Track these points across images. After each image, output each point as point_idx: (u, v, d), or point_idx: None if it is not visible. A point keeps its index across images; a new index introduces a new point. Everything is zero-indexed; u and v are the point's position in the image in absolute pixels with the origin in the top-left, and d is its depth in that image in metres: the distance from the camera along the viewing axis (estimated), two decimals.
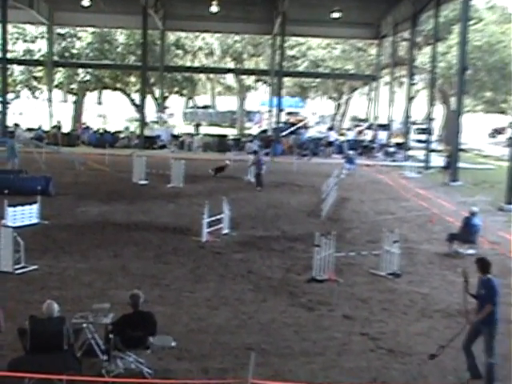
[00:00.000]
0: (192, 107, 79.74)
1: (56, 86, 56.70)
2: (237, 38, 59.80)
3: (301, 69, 59.95)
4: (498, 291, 9.37)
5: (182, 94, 68.62)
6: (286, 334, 11.15)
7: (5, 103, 44.44)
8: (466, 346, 9.59)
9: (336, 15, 46.08)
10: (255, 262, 15.92)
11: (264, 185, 28.07)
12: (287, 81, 61.45)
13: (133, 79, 59.04)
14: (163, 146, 44.68)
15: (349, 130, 57.91)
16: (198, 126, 54.69)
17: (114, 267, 14.71)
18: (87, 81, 57.53)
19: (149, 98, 54.36)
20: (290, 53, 58.39)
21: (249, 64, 63.00)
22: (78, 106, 60.45)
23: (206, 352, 10.28)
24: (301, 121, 57.99)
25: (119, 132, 48.31)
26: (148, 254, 16.07)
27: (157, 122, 52.71)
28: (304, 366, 9.94)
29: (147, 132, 46.71)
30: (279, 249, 17.32)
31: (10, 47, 48.65)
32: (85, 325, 9.50)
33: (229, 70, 60.83)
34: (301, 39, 59.44)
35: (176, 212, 22.02)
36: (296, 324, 11.67)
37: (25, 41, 55.83)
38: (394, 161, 41.79)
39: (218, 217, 18.79)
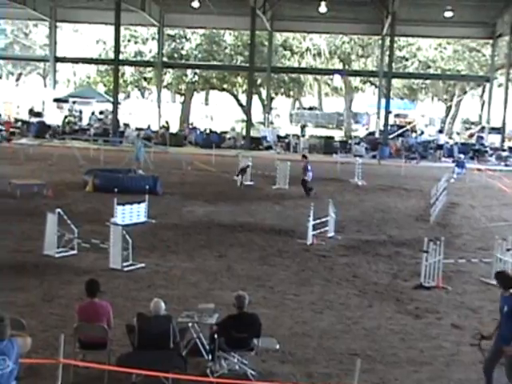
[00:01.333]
0: (298, 108, 79.80)
1: (165, 87, 58.15)
2: (345, 38, 59.41)
3: (410, 70, 58.87)
4: None
5: (288, 95, 68.83)
6: (391, 341, 10.97)
7: (116, 103, 45.91)
8: (488, 368, 8.84)
9: (448, 14, 45.03)
10: (361, 266, 15.74)
11: (310, 193, 25.63)
12: (396, 82, 60.50)
13: (240, 80, 59.71)
14: (269, 147, 44.94)
15: (458, 133, 56.45)
16: (303, 127, 54.68)
17: (219, 268, 14.90)
18: (195, 81, 58.70)
19: (255, 98, 54.85)
20: (399, 54, 57.49)
21: (356, 65, 62.47)
22: (186, 107, 61.71)
23: (310, 356, 10.24)
24: (409, 123, 57.01)
25: (225, 132, 48.96)
26: (253, 256, 16.19)
27: (263, 123, 53.11)
28: (410, 375, 9.75)
29: (253, 133, 47.12)
30: (386, 254, 17.07)
31: (121, 49, 50.17)
32: (190, 324, 9.66)
33: (336, 71, 60.50)
34: (411, 39, 58.39)
35: (281, 214, 22.09)
36: (402, 331, 11.46)
37: (136, 42, 57.51)
38: (507, 165, 40.40)
39: (324, 219, 18.71)
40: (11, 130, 45.13)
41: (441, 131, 51.34)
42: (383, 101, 47.48)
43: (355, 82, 65.79)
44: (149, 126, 47.58)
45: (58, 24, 53.06)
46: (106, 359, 8.97)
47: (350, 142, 46.99)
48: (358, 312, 12.38)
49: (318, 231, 18.30)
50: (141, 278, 13.74)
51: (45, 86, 65.93)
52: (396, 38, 49.36)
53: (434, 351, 10.65)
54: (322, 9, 45.42)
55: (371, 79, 61.98)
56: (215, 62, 56.88)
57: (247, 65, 48.78)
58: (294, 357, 10.16)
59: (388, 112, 46.25)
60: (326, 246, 17.55)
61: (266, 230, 19.25)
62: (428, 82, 64.18)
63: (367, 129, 62.26)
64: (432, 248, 14.20)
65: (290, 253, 16.67)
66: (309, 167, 26.32)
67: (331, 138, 47.94)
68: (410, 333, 11.41)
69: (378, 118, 50.67)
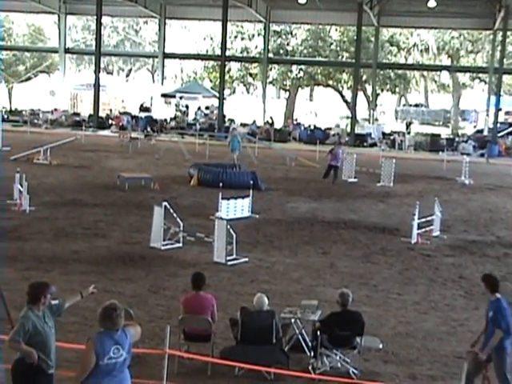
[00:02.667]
0: (404, 105, 78.48)
1: (270, 83, 58.43)
2: (454, 33, 57.95)
3: None
4: (507, 314, 8.23)
5: (394, 92, 67.73)
6: None
7: (222, 99, 46.50)
8: (469, 377, 8.31)
9: None
10: (467, 267, 15.33)
11: (337, 182, 27.08)
12: (507, 79, 58.54)
13: (345, 76, 59.26)
14: (374, 144, 44.43)
15: None
16: (409, 124, 53.72)
17: (322, 264, 14.86)
18: (300, 77, 58.70)
19: (360, 95, 54.30)
20: (511, 49, 55.52)
21: (466, 61, 60.81)
22: (290, 103, 61.80)
23: (414, 357, 10.06)
24: None
25: (330, 129, 48.75)
26: (356, 253, 16.05)
27: (368, 120, 52.55)
28: None
29: (358, 129, 46.71)
30: (494, 255, 16.55)
31: (228, 45, 50.77)
32: (293, 320, 9.67)
33: (444, 68, 59.08)
34: None
35: (385, 212, 21.80)
36: None
37: (242, 38, 58.05)
38: None
39: (429, 218, 18.33)
40: (121, 124, 46.48)
41: None
42: (493, 98, 46.01)
43: (463, 78, 64.05)
44: (254, 122, 47.95)
45: (167, 21, 54.29)
46: (210, 351, 9.10)
47: (457, 139, 45.84)
48: (464, 314, 12.06)
49: (423, 230, 17.94)
50: (244, 273, 13.86)
51: (153, 81, 67.57)
52: (509, 33, 47.71)
53: None
54: (431, 3, 44.45)
55: (480, 75, 60.16)
56: (320, 58, 56.71)
57: (353, 61, 48.38)
58: (397, 357, 10.01)
59: (498, 109, 44.82)
60: (431, 246, 17.19)
61: (369, 227, 19.04)
62: None
63: (475, 126, 60.54)
64: None
65: (394, 251, 16.43)
66: (339, 154, 27.61)
67: (437, 135, 46.91)
68: None
69: (488, 115, 49.15)
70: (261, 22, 51.86)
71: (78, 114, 50.29)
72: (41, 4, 51.63)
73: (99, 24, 46.91)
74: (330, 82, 60.68)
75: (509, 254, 16.70)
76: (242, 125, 47.82)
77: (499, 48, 45.65)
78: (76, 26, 69.53)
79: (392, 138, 45.26)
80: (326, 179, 27.40)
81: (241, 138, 31.95)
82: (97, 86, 46.66)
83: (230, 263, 14.36)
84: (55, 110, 50.82)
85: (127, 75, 77.20)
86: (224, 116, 47.14)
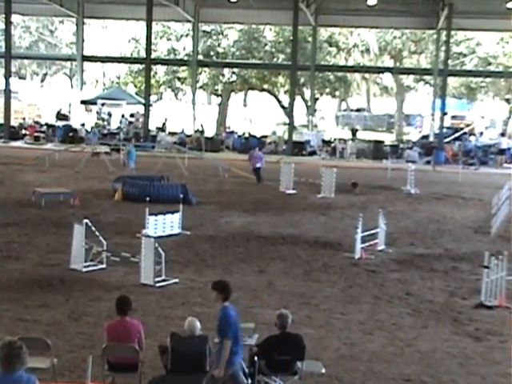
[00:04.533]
0: (345, 110, 79.64)
1: (200, 87, 58.55)
2: (396, 33, 59.18)
3: (469, 67, 58.36)
4: (231, 321, 8.60)
5: (334, 96, 68.80)
6: (449, 366, 10.82)
7: (147, 105, 46.32)
8: None
9: (511, 5, 44.51)
10: (414, 282, 15.60)
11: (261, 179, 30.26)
12: (452, 81, 60.05)
13: (281, 79, 59.91)
14: (313, 153, 44.92)
15: None
16: (355, 131, 54.36)
17: (259, 284, 14.90)
18: (233, 81, 59.05)
19: (298, 99, 54.88)
20: (456, 49, 57.05)
21: (409, 62, 62.13)
22: (223, 109, 62.03)
23: (359, 381, 10.15)
24: (468, 125, 56.45)
25: (266, 137, 49.08)
26: (296, 271, 16.15)
27: (306, 126, 53.12)
28: None
29: (296, 137, 47.14)
30: (442, 269, 16.89)
31: (153, 47, 50.66)
32: None
33: (386, 69, 60.26)
34: (469, 34, 57.89)
35: (327, 225, 22.02)
36: (461, 355, 11.30)
37: (169, 39, 58.06)
38: None
39: (373, 231, 18.59)
40: (36, 134, 45.81)
41: (503, 134, 50.69)
42: (438, 101, 47.09)
43: (407, 80, 65.46)
44: (183, 130, 47.90)
45: (85, 20, 53.87)
46: (137, 382, 9.00)
47: (401, 146, 46.74)
48: (412, 333, 12.25)
49: (367, 244, 18.19)
50: (174, 295, 13.79)
51: (71, 87, 66.85)
52: (453, 32, 49.06)
53: (497, 377, 10.48)
54: (371, 1, 45.35)
55: (425, 77, 61.58)
56: (254, 61, 57.16)
57: (289, 63, 48.87)
58: (341, 382, 10.09)
59: (444, 113, 45.90)
60: (376, 261, 17.43)
61: (310, 242, 19.20)
62: (488, 80, 63.54)
63: (420, 132, 61.82)
64: (494, 263, 14.00)
65: (337, 268, 16.59)
66: (259, 155, 31.19)
67: (381, 142, 47.71)
68: (469, 357, 11.24)
69: (433, 120, 50.29)
70: (189, 21, 51.96)
71: None
72: None
73: (8, 23, 46.23)
74: (266, 86, 61.20)
75: (457, 267, 17.06)
76: (170, 133, 47.73)
77: (443, 48, 46.81)
78: None
79: (333, 145, 45.84)
80: (260, 183, 29.41)
81: (134, 150, 32.29)
82: (7, 92, 45.92)
83: (158, 285, 14.26)
84: None
85: (42, 80, 76.26)
86: (147, 124, 46.89)
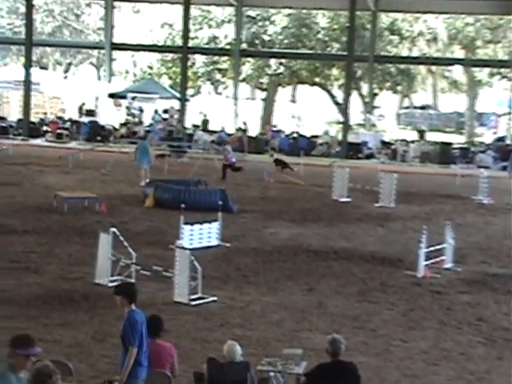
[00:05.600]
0: (408, 107, 79.17)
1: (243, 80, 58.66)
2: (468, 19, 58.66)
3: None
4: (136, 328, 8.65)
5: (395, 91, 68.41)
6: None
7: (184, 100, 46.59)
8: None
9: None
10: (487, 306, 15.43)
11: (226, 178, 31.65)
12: None
13: (335, 72, 59.77)
14: (370, 156, 44.73)
15: None
16: (421, 132, 53.90)
17: (307, 304, 14.87)
18: (280, 74, 59.05)
19: (354, 95, 54.72)
20: None
21: (483, 53, 61.54)
22: (268, 105, 62.08)
23: None
24: None
25: (316, 137, 49.01)
26: (350, 290, 16.09)
27: (363, 126, 52.92)
28: None
29: (351, 137, 46.99)
30: None
31: (191, 34, 50.93)
32: (272, 374, 9.65)
33: (456, 61, 59.75)
34: None
35: (385, 238, 21.91)
36: None
37: (209, 26, 58.29)
38: None
39: (439, 247, 18.45)
40: (58, 131, 46.37)
41: None
42: None
43: (480, 74, 64.79)
44: (223, 128, 48.05)
45: (115, 3, 54.37)
46: None
47: (472, 149, 46.29)
48: (484, 365, 12.12)
49: (432, 261, 18.04)
50: (212, 315, 13.83)
51: (99, 78, 67.48)
52: None
53: None
54: None
55: (501, 71, 60.89)
56: (305, 50, 57.10)
57: (345, 53, 48.76)
58: None
59: None
60: (442, 280, 17.29)
61: (366, 257, 19.11)
62: None
63: (495, 133, 61.20)
64: None
65: (396, 287, 16.49)
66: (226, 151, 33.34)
67: (449, 144, 47.35)
68: None
69: (510, 119, 49.72)
70: (232, 5, 52.19)
71: (3, 119, 50.04)
72: None
73: (30, 6, 46.87)
74: (317, 80, 61.12)
75: None
76: (208, 132, 47.91)
77: None
78: (1, 9, 69.36)
79: (393, 147, 45.59)
80: (224, 180, 31.27)
81: (149, 147, 32.33)
82: (27, 84, 46.52)
83: (194, 303, 14.31)
84: None
85: (66, 71, 77.09)
86: (183, 121, 47.19)
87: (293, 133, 50.01)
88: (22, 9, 54.41)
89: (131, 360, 8.58)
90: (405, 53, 61.13)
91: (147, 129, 47.02)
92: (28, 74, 46.52)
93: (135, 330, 8.65)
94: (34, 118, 48.87)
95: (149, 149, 31.57)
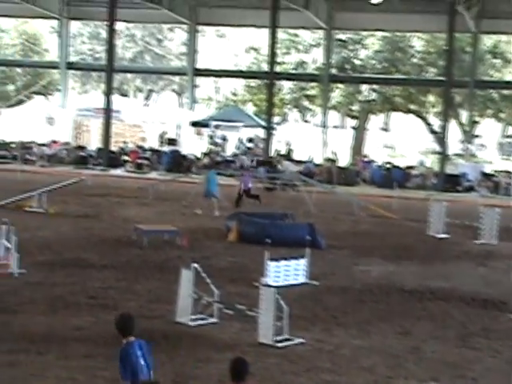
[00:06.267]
0: (511, 136, 77.99)
1: (332, 107, 58.71)
2: None
3: None
4: (127, 362, 8.80)
5: (498, 119, 67.40)
6: None
7: (269, 128, 46.83)
8: None
9: None
10: None
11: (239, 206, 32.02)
12: None
13: (431, 98, 59.29)
14: (470, 188, 44.18)
15: None
16: None
17: (402, 348, 14.66)
18: (372, 100, 58.91)
19: (452, 123, 54.18)
20: None
21: None
22: (359, 133, 61.97)
23: None
24: None
25: (411, 168, 48.69)
26: (448, 334, 15.82)
27: (462, 156, 52.32)
28: None
29: (449, 169, 46.52)
30: None
31: (278, 59, 51.26)
32: None
33: None
34: None
35: (487, 278, 21.51)
36: None
37: (297, 50, 58.59)
38: None
39: None
40: (138, 161, 47.10)
41: None
42: None
43: None
44: (311, 158, 48.10)
45: (198, 28, 55.14)
46: None
47: None
48: None
49: None
50: (299, 358, 13.74)
51: (180, 105, 68.42)
52: None
53: None
54: None
55: None
56: (399, 75, 56.84)
57: (442, 78, 48.39)
58: None
59: None
60: None
61: (466, 299, 18.78)
62: None
63: None
64: None
65: (500, 332, 16.16)
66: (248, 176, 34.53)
67: None
68: None
69: None
70: (321, 28, 52.36)
71: (82, 148, 51.10)
72: (36, 6, 52.88)
73: (112, 31, 47.86)
74: (412, 107, 60.71)
75: None
76: (295, 162, 47.98)
77: None
78: (82, 35, 71.06)
79: (495, 179, 44.92)
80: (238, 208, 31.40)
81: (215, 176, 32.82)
82: (108, 112, 47.40)
83: (279, 345, 14.25)
84: (53, 142, 51.78)
85: (147, 97, 78.40)
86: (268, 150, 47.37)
87: (385, 163, 49.85)
88: (104, 34, 55.60)
89: None
90: (509, 77, 60.19)
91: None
92: (108, 102, 47.44)
93: (127, 364, 8.83)
94: (113, 147, 49.73)
95: (216, 179, 32.14)
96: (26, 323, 14.99)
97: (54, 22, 59.49)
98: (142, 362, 8.96)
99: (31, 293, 17.27)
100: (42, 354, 13.20)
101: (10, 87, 62.93)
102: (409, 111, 62.41)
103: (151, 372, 9.09)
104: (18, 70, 63.97)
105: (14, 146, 50.61)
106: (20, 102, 60.63)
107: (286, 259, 19.25)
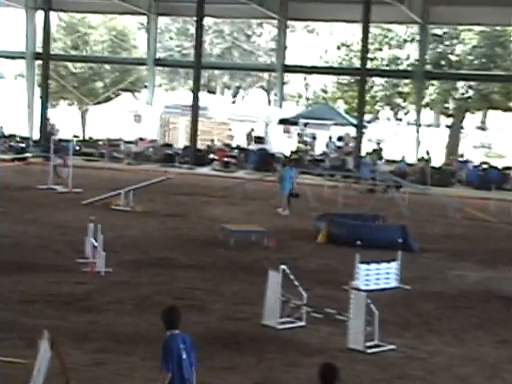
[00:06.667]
0: None
1: (426, 105, 58.17)
2: None
3: None
4: (169, 354, 9.12)
5: None
6: None
7: (360, 126, 46.59)
8: None
9: None
10: None
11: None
12: None
13: None
14: None
15: None
16: None
17: (499, 358, 14.43)
18: (468, 98, 58.10)
19: None
20: None
21: None
22: (454, 132, 61.23)
23: None
24: None
25: (510, 168, 47.83)
26: None
27: None
28: None
29: None
30: None
31: (370, 55, 51.06)
32: None
33: None
34: None
35: None
36: None
37: (390, 46, 58.20)
38: None
39: None
40: (225, 159, 47.33)
41: None
42: None
43: None
44: (403, 158, 47.70)
45: (288, 23, 55.16)
46: None
47: None
48: None
49: None
50: (390, 365, 13.64)
51: (269, 103, 68.58)
52: None
53: None
54: None
55: None
56: (498, 72, 55.93)
57: None
58: None
59: None
60: None
61: None
62: None
63: None
64: None
65: None
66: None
67: None
68: None
69: None
70: (416, 23, 51.83)
71: (169, 146, 51.51)
72: (126, 2, 53.60)
73: (200, 27, 48.22)
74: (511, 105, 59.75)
75: None
76: (386, 161, 47.66)
77: None
78: (170, 31, 71.78)
79: None
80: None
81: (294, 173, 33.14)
82: (195, 109, 47.74)
83: (369, 351, 14.18)
84: (140, 139, 52.35)
85: (234, 95, 78.78)
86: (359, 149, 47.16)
87: (482, 164, 49.06)
88: (192, 30, 56.03)
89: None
90: None
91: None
92: (196, 99, 47.74)
93: (168, 355, 9.15)
94: (200, 145, 50.05)
95: (292, 176, 32.35)
96: (113, 323, 15.21)
97: (143, 18, 60.21)
98: (184, 356, 9.25)
99: (118, 292, 17.53)
100: (129, 354, 13.38)
101: (99, 84, 63.76)
102: (508, 109, 61.41)
103: (193, 367, 9.39)
104: (107, 66, 64.81)
105: (101, 143, 51.39)
106: (108, 99, 61.41)
107: (377, 262, 19.15)
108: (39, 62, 54.55)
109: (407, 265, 20.28)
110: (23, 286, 17.67)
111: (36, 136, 52.07)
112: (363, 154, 48.18)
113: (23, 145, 49.93)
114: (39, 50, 53.97)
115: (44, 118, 51.02)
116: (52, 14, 52.12)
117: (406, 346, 14.76)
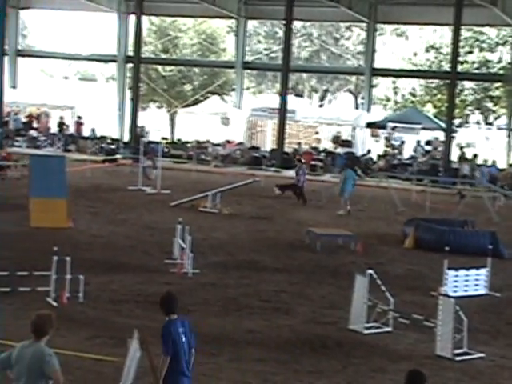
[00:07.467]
0: None
1: None
2: None
3: None
4: (169, 339, 9.42)
5: None
6: None
7: (449, 131, 46.05)
8: None
9: None
10: None
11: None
12: None
13: None
14: None
15: None
16: None
17: None
18: None
19: None
20: None
21: None
22: None
23: None
24: None
25: None
26: None
27: None
28: None
29: None
30: None
31: (461, 58, 50.42)
32: None
33: None
34: None
35: None
36: None
37: (481, 49, 57.43)
38: None
39: None
40: (312, 162, 47.24)
41: None
42: None
43: None
44: (494, 163, 46.97)
45: (377, 26, 54.84)
46: None
47: None
48: None
49: None
50: (479, 374, 13.46)
51: (356, 106, 68.25)
52: None
53: None
54: None
55: None
56: None
57: None
58: None
59: None
60: None
61: None
62: None
63: None
64: None
65: None
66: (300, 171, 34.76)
67: None
68: None
69: None
70: (508, 25, 51.01)
71: (256, 149, 51.59)
72: (215, 6, 53.92)
73: (289, 30, 48.26)
74: None
75: None
76: (477, 165, 46.95)
77: None
78: (258, 34, 72.00)
79: None
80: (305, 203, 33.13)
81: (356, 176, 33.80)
82: (283, 112, 47.80)
83: (458, 358, 14.00)
84: (228, 142, 52.57)
85: (322, 98, 78.56)
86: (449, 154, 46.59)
87: None
88: (280, 33, 56.10)
89: (162, 367, 9.40)
90: None
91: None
92: (284, 102, 47.81)
93: (168, 340, 9.47)
94: (287, 148, 50.06)
95: (354, 178, 32.68)
96: (199, 323, 15.26)
97: (232, 22, 60.49)
98: (183, 339, 9.58)
99: (204, 293, 17.68)
100: (215, 355, 13.48)
101: (187, 87, 64.25)
102: None
103: (192, 349, 9.74)
104: (195, 69, 65.23)
105: (189, 145, 51.81)
106: (196, 102, 61.79)
107: (465, 268, 18.88)
108: (130, 65, 55.26)
109: (497, 271, 20.02)
110: (113, 285, 17.97)
111: (126, 138, 52.74)
112: (479, 161, 47.19)
113: (114, 146, 50.64)
114: (130, 53, 54.62)
115: (134, 121, 51.64)
116: (143, 18, 52.64)
117: (496, 354, 14.55)
